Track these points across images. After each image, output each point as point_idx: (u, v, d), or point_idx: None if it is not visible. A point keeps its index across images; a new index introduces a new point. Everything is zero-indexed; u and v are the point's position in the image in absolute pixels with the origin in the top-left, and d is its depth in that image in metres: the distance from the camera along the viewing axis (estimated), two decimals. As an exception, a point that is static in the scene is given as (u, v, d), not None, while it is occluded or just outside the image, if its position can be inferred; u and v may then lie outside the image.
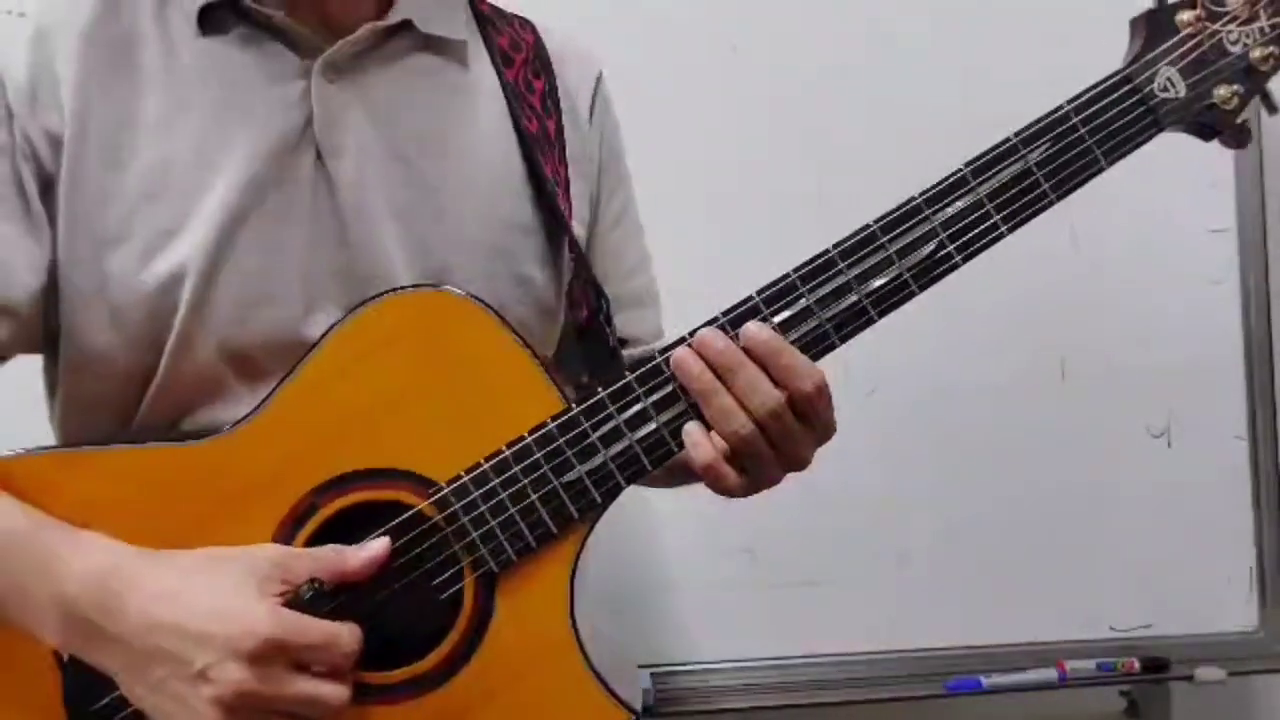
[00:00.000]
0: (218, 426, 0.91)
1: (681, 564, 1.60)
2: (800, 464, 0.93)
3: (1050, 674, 1.64)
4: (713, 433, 0.90)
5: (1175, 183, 1.63)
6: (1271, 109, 0.99)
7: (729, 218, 1.59)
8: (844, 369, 1.62)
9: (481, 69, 1.04)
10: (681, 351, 0.90)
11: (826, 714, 1.64)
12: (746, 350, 0.89)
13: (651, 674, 1.60)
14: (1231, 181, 1.70)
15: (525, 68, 1.06)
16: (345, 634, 0.84)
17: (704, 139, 1.59)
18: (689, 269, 1.51)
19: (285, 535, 0.89)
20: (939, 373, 1.63)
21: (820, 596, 1.62)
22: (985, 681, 1.63)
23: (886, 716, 1.70)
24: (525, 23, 1.10)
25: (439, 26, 1.01)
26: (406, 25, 0.99)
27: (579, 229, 1.06)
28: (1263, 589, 1.70)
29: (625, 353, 1.09)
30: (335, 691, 0.84)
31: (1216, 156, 1.65)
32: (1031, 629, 1.67)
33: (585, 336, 1.05)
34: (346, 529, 0.90)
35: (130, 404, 0.95)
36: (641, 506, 1.55)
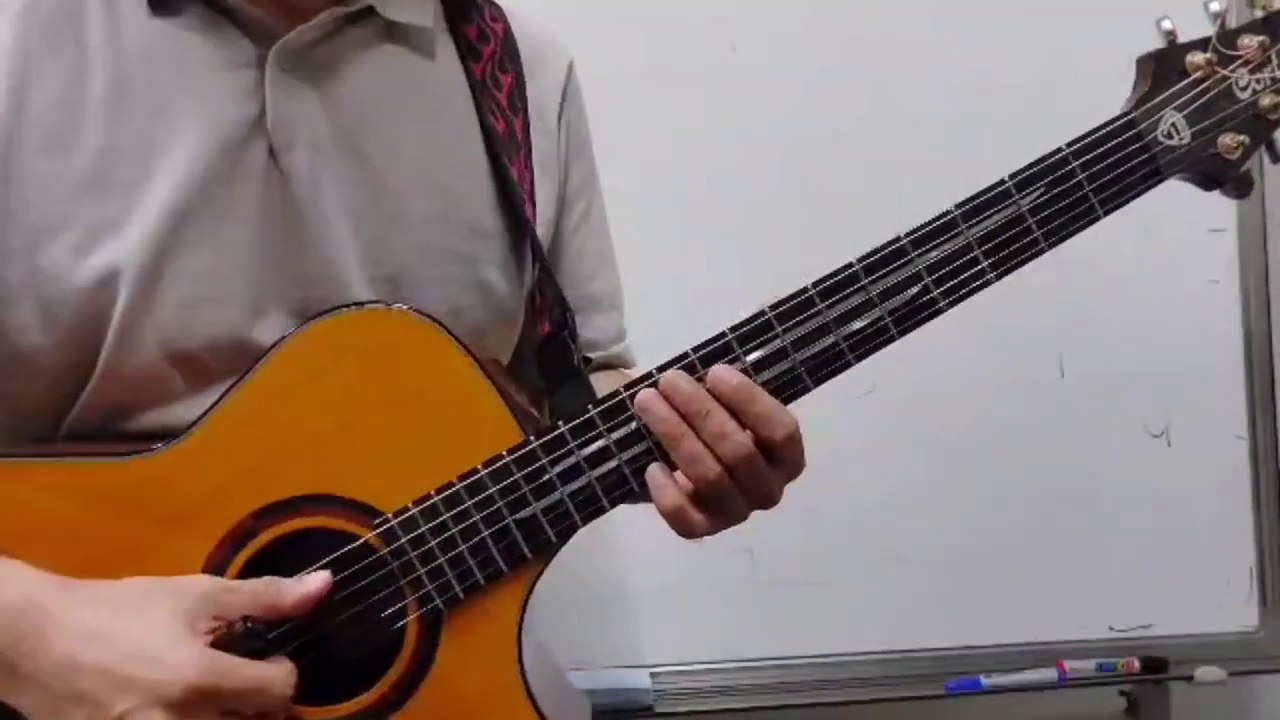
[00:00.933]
0: (158, 429, 0.87)
1: (681, 564, 1.60)
2: (769, 502, 0.90)
3: (1050, 674, 1.64)
4: (677, 473, 0.86)
5: (1174, 182, 1.62)
6: (1275, 158, 0.95)
7: (728, 218, 1.59)
8: (844, 369, 1.64)
9: (447, 61, 0.99)
10: (648, 393, 0.86)
11: (826, 714, 1.64)
12: (715, 395, 0.85)
13: (651, 674, 1.60)
14: (1231, 181, 1.70)
15: (493, 62, 1.01)
16: (278, 677, 0.81)
17: (704, 139, 1.59)
18: (688, 269, 1.52)
19: (223, 558, 0.85)
20: (938, 372, 1.63)
21: (820, 596, 1.62)
22: (985, 681, 1.64)
23: (886, 716, 1.70)
24: (495, 10, 1.04)
25: (403, 13, 0.95)
26: (369, 12, 0.93)
27: (543, 230, 1.02)
28: (1263, 589, 1.70)
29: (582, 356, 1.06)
30: None
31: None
32: (1031, 629, 1.67)
33: (545, 349, 1.01)
34: (288, 554, 0.85)
35: (62, 404, 0.89)
36: (641, 506, 1.55)
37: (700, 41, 1.61)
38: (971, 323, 1.60)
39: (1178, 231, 1.68)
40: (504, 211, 0.99)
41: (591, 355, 1.08)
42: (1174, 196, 1.63)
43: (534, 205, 1.01)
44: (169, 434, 0.87)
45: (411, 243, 0.93)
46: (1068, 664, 1.64)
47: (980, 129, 1.57)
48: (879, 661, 1.64)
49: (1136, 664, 1.65)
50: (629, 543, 1.57)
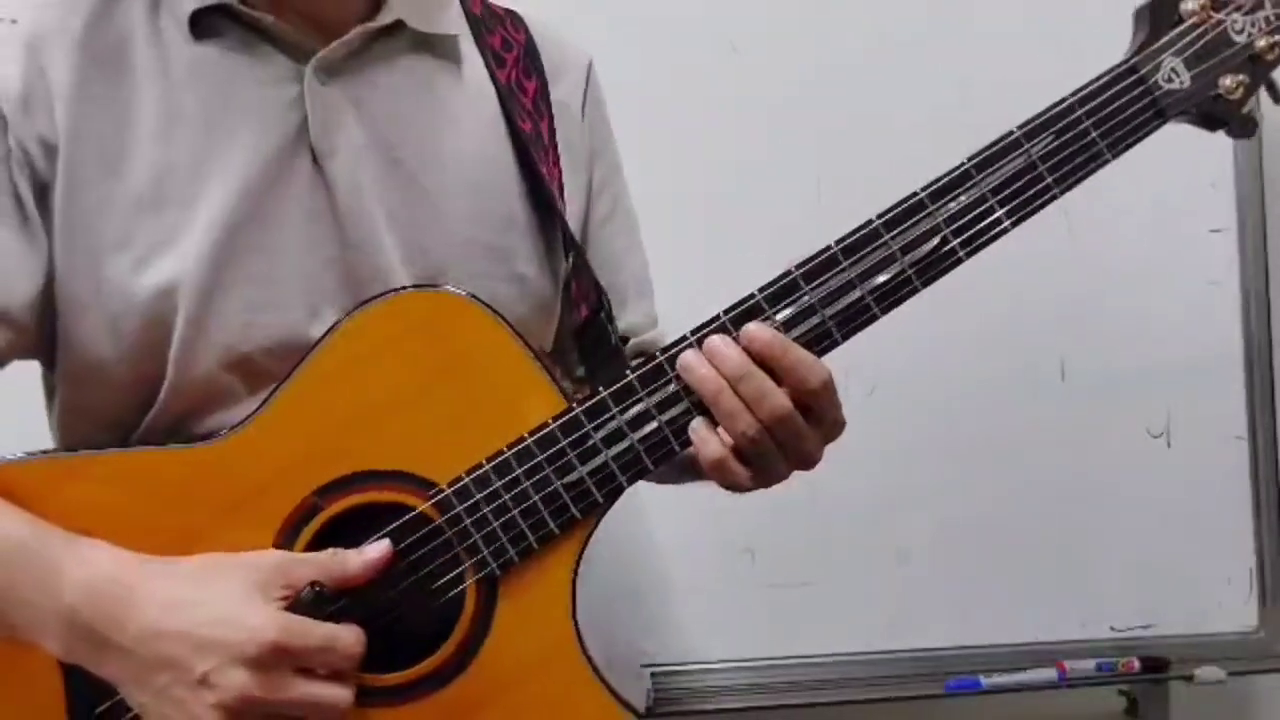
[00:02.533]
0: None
1: (681, 563, 1.60)
2: (809, 462, 0.93)
3: (1050, 674, 1.64)
4: (719, 429, 0.90)
5: (1175, 182, 1.63)
6: (1277, 98, 0.98)
7: (728, 218, 1.59)
8: (844, 369, 1.63)
9: (474, 68, 1.04)
10: (689, 354, 0.90)
11: (826, 714, 1.64)
12: (748, 350, 0.89)
13: (651, 674, 1.60)
14: (1231, 181, 1.70)
15: (516, 68, 1.06)
16: (347, 636, 0.85)
17: (704, 139, 1.59)
18: (688, 269, 1.52)
19: (287, 537, 0.89)
20: (938, 373, 1.63)
21: (820, 596, 1.62)
22: (985, 681, 1.63)
23: (886, 716, 1.70)
24: (516, 20, 1.10)
25: (431, 24, 1.01)
26: (398, 25, 0.99)
27: (574, 225, 1.06)
28: (1262, 589, 1.70)
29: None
30: (338, 694, 0.84)
31: (1216, 156, 1.67)
32: (1031, 629, 1.67)
33: (585, 334, 1.05)
34: (349, 531, 0.90)
35: (132, 414, 0.94)
36: (641, 506, 1.55)
37: (700, 41, 1.61)
38: (973, 322, 1.62)
39: (1178, 232, 1.68)
40: (535, 205, 1.03)
41: (630, 342, 1.11)
42: (1174, 197, 1.64)
43: (563, 200, 1.05)
44: (234, 436, 0.91)
45: (449, 240, 0.98)
46: (1068, 664, 1.64)
47: (980, 129, 1.57)
48: (879, 661, 1.64)
49: (1136, 664, 1.65)
50: (629, 543, 1.57)
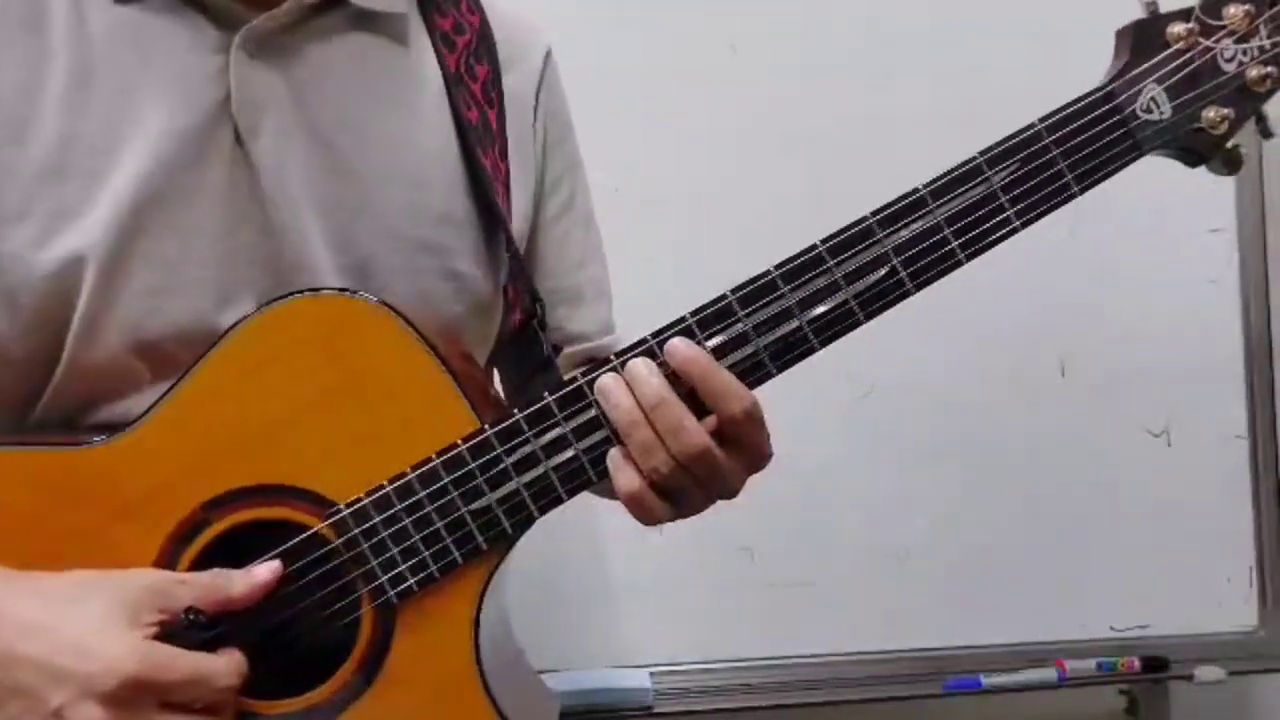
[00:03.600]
0: (126, 420, 0.86)
1: (679, 563, 1.60)
2: (729, 495, 0.88)
3: (1050, 674, 1.64)
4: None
5: (1174, 182, 1.61)
6: (1266, 133, 0.92)
7: (728, 218, 1.59)
8: (842, 369, 1.64)
9: (421, 51, 0.98)
10: (607, 379, 0.84)
11: (825, 714, 1.64)
12: (672, 366, 0.84)
13: (651, 674, 1.60)
14: (1230, 181, 1.69)
15: (468, 52, 0.99)
16: (220, 667, 0.80)
17: (703, 139, 1.59)
18: (686, 269, 1.52)
19: (173, 550, 0.84)
20: (937, 372, 1.63)
21: (818, 596, 1.62)
22: (985, 681, 1.63)
23: (885, 716, 1.71)
24: (472, 2, 1.03)
25: (374, 1, 0.94)
26: (338, 1, 0.92)
27: (519, 224, 1.00)
28: (1262, 589, 1.70)
29: (568, 350, 1.05)
30: None
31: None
32: (1031, 629, 1.67)
33: (516, 341, 1.00)
34: (238, 547, 0.84)
35: (29, 395, 0.88)
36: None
37: (700, 41, 1.61)
38: (972, 323, 1.62)
39: (1178, 231, 1.68)
40: (476, 201, 0.97)
41: (578, 348, 1.06)
42: (1174, 197, 1.64)
43: (509, 196, 0.99)
44: (136, 426, 0.86)
45: (380, 231, 0.92)
46: (1068, 664, 1.64)
47: (980, 129, 1.57)
48: (878, 661, 1.64)
49: (1136, 664, 1.65)
50: (628, 542, 1.57)
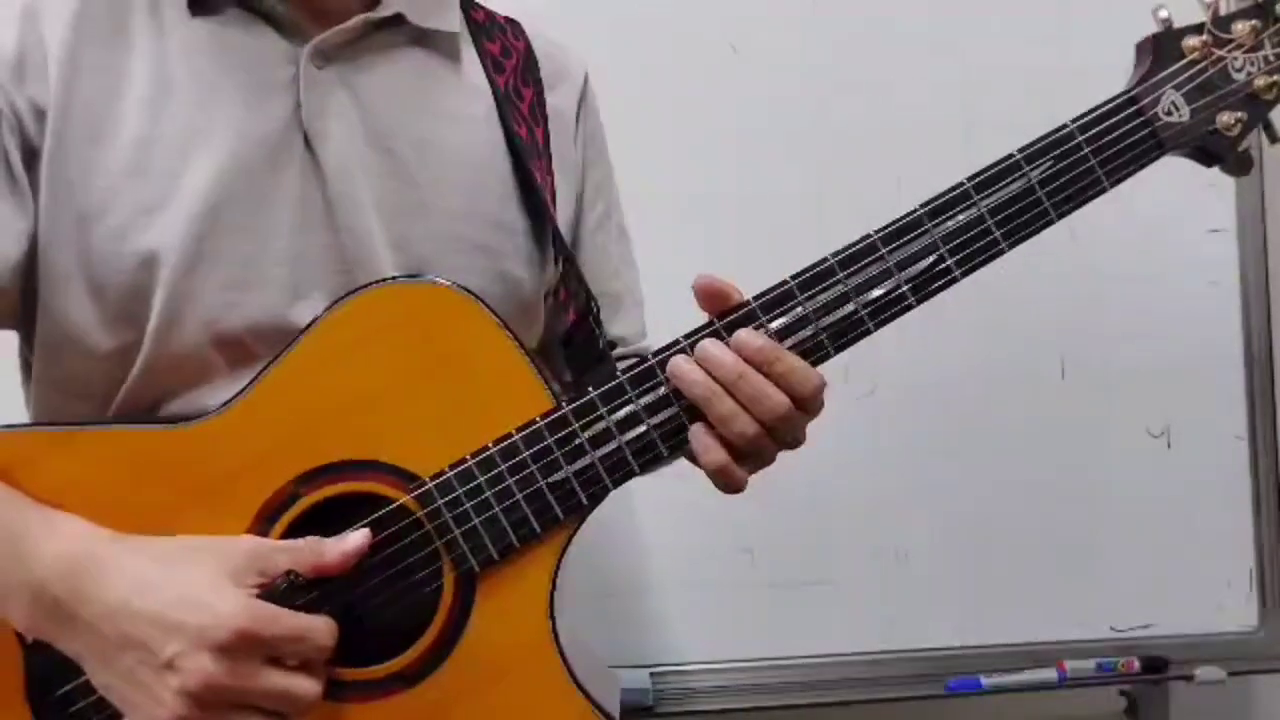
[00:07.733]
0: (201, 411, 0.90)
1: (681, 563, 1.60)
2: (798, 444, 0.93)
3: (1050, 674, 1.64)
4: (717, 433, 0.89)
5: (1174, 182, 1.61)
6: (1273, 138, 0.99)
7: (728, 218, 1.59)
8: (843, 369, 1.63)
9: (473, 70, 1.05)
10: (679, 359, 0.90)
11: (826, 714, 1.64)
12: (742, 358, 0.89)
13: (651, 674, 1.60)
14: (1230, 182, 1.69)
15: (515, 75, 1.06)
16: (319, 627, 0.83)
17: (704, 139, 1.59)
18: (687, 269, 1.52)
19: (264, 523, 0.88)
20: (938, 372, 1.63)
21: (820, 596, 1.62)
22: (985, 681, 1.63)
23: (886, 716, 1.71)
24: (517, 29, 1.10)
25: (430, 20, 1.01)
26: (398, 19, 0.99)
27: (564, 230, 1.06)
28: (1262, 589, 1.70)
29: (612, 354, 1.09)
30: (307, 686, 0.83)
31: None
32: (1031, 629, 1.67)
33: (572, 339, 1.05)
34: (327, 520, 0.88)
35: (109, 386, 0.93)
36: (640, 505, 1.55)
37: (700, 41, 1.61)
38: (973, 323, 1.62)
39: (1178, 232, 1.68)
40: (526, 208, 1.03)
41: (616, 351, 1.11)
42: (1174, 197, 1.64)
43: (555, 206, 1.05)
44: (213, 416, 0.91)
45: (436, 233, 0.98)
46: (1068, 664, 1.64)
47: (980, 129, 1.57)
48: (879, 661, 1.64)
49: (1136, 664, 1.65)
50: (629, 542, 1.57)
